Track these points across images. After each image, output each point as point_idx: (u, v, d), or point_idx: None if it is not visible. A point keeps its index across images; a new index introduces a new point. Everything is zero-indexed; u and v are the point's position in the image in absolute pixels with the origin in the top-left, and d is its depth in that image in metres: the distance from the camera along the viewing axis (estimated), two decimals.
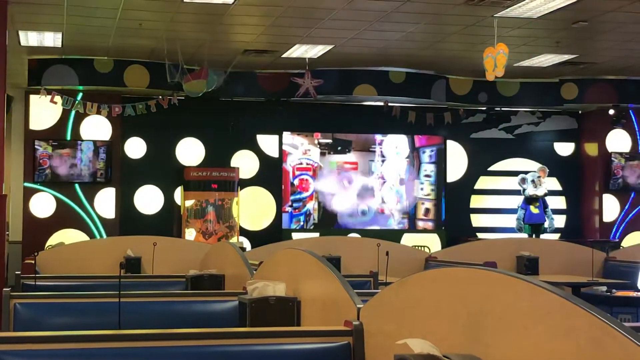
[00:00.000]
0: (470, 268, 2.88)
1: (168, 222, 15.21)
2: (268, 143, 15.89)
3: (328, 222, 16.00)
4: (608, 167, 16.47)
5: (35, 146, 14.55)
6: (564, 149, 17.15)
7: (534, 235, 14.64)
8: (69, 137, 14.73)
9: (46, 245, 13.76)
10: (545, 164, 15.66)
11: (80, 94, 14.22)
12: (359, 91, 14.68)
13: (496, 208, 16.71)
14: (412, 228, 16.36)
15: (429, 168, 16.55)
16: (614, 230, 16.56)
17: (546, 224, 14.93)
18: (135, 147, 15.32)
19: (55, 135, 14.66)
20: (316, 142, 16.02)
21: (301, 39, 12.24)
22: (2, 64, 10.30)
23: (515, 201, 15.52)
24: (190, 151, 15.55)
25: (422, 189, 16.50)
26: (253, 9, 10.68)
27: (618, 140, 16.65)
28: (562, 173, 16.92)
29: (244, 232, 15.51)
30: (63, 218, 14.64)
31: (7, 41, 10.46)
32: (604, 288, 8.34)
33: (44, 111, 14.52)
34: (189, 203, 14.98)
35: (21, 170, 14.71)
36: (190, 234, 14.82)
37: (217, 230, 14.91)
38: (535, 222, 14.86)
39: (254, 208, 15.75)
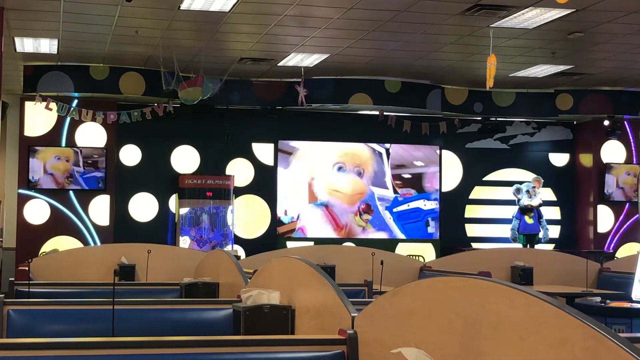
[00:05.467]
0: (464, 277, 2.88)
1: (162, 229, 15.20)
2: (263, 151, 15.90)
3: None
4: (602, 178, 16.50)
5: (30, 152, 14.53)
6: (559, 159, 17.18)
7: (528, 246, 14.65)
8: (63, 144, 14.72)
9: (40, 252, 13.73)
10: (540, 175, 15.68)
11: (76, 101, 14.22)
12: (355, 100, 14.69)
13: (491, 218, 16.73)
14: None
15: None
16: (608, 241, 16.58)
17: (540, 235, 14.94)
18: (130, 155, 15.31)
19: (50, 142, 14.65)
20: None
21: (297, 47, 12.25)
22: None
23: (510, 211, 15.54)
24: (185, 159, 15.55)
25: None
26: (249, 17, 10.69)
27: (613, 151, 16.68)
28: (557, 183, 16.94)
29: (238, 240, 15.50)
30: (57, 225, 14.62)
31: (3, 47, 10.47)
32: (598, 299, 8.34)
33: (39, 118, 14.52)
34: (184, 211, 14.97)
35: (15, 177, 14.70)
36: (184, 241, 14.80)
37: (212, 238, 14.89)
38: (529, 233, 14.87)
39: (248, 216, 15.75)
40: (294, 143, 15.98)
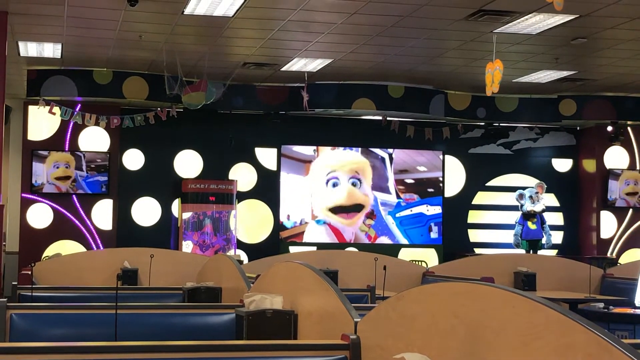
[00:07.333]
0: (467, 283, 2.88)
1: (165, 234, 15.20)
2: (266, 156, 15.90)
3: None
4: (606, 183, 16.49)
5: (33, 157, 14.54)
6: (562, 165, 17.16)
7: (531, 251, 14.63)
8: (67, 148, 14.73)
9: (43, 256, 13.73)
10: (543, 180, 15.67)
11: (79, 105, 14.23)
12: (358, 105, 14.70)
13: (494, 223, 16.71)
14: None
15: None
16: (612, 247, 16.56)
17: (543, 240, 14.93)
18: (134, 159, 15.31)
19: (54, 146, 14.65)
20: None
21: (300, 52, 12.26)
22: (1, 74, 10.34)
23: (513, 217, 15.52)
24: (188, 163, 15.55)
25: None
26: (253, 22, 10.70)
27: (616, 157, 16.67)
28: (560, 189, 16.93)
29: (241, 244, 15.50)
30: (60, 229, 14.62)
31: (7, 52, 10.49)
32: (602, 305, 8.33)
33: (42, 122, 14.52)
34: (187, 215, 14.97)
35: (19, 181, 14.70)
36: (187, 246, 14.80)
37: (214, 243, 14.89)
38: (532, 238, 14.86)
39: (251, 221, 15.74)
40: (305, 150, 15.96)
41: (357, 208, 16.04)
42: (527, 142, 17.03)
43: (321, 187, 15.95)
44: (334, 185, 16.01)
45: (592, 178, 16.76)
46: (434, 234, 16.37)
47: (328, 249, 13.76)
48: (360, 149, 16.13)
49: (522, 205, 14.96)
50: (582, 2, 9.49)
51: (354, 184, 16.05)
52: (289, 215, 15.89)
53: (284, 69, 13.35)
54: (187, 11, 10.03)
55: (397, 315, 3.23)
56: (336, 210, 15.95)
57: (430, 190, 16.46)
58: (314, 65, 13.09)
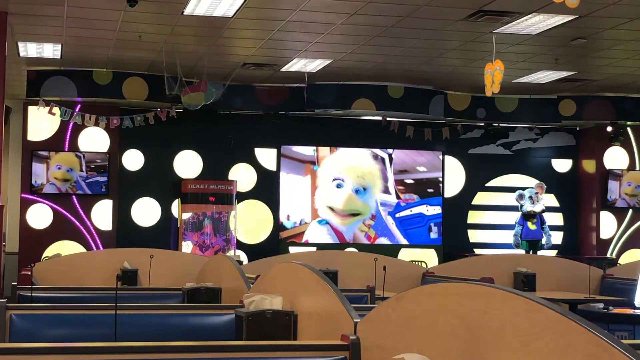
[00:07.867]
0: (467, 283, 2.88)
1: (165, 234, 15.20)
2: (266, 156, 15.90)
3: None
4: (605, 184, 16.49)
5: (33, 157, 14.54)
6: (562, 165, 17.17)
7: (531, 252, 14.63)
8: (66, 149, 14.72)
9: (43, 257, 13.73)
10: (542, 181, 15.67)
11: (79, 106, 14.22)
12: (358, 105, 14.70)
13: (493, 224, 16.71)
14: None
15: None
16: (611, 247, 16.56)
17: (543, 241, 14.92)
18: (133, 159, 15.31)
19: (53, 147, 14.65)
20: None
21: (300, 52, 12.26)
22: (1, 74, 10.33)
23: (513, 217, 15.52)
24: (188, 164, 15.55)
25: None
26: (252, 22, 10.70)
27: (616, 158, 16.67)
28: (560, 190, 16.93)
29: (240, 245, 15.49)
30: (60, 229, 14.62)
31: (7, 52, 10.49)
32: (601, 305, 8.33)
33: (42, 122, 14.52)
34: (186, 216, 14.97)
35: (18, 181, 14.70)
36: (187, 246, 14.79)
37: (214, 243, 14.89)
38: (532, 239, 14.86)
39: (251, 221, 15.74)
40: (305, 150, 15.97)
41: (353, 213, 16.07)
42: (527, 143, 17.03)
43: (326, 184, 15.95)
44: (338, 186, 16.02)
45: (592, 178, 16.77)
46: (433, 234, 16.38)
47: (328, 249, 13.75)
48: (368, 150, 16.13)
49: (521, 206, 14.95)
50: (582, 2, 9.45)
51: (357, 191, 16.05)
52: (288, 216, 15.89)
53: (283, 69, 13.35)
54: (187, 11, 10.03)
55: (397, 316, 3.23)
56: (333, 210, 15.98)
57: (430, 190, 16.46)
58: (313, 65, 13.09)
